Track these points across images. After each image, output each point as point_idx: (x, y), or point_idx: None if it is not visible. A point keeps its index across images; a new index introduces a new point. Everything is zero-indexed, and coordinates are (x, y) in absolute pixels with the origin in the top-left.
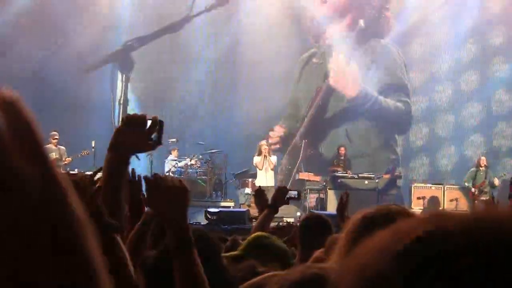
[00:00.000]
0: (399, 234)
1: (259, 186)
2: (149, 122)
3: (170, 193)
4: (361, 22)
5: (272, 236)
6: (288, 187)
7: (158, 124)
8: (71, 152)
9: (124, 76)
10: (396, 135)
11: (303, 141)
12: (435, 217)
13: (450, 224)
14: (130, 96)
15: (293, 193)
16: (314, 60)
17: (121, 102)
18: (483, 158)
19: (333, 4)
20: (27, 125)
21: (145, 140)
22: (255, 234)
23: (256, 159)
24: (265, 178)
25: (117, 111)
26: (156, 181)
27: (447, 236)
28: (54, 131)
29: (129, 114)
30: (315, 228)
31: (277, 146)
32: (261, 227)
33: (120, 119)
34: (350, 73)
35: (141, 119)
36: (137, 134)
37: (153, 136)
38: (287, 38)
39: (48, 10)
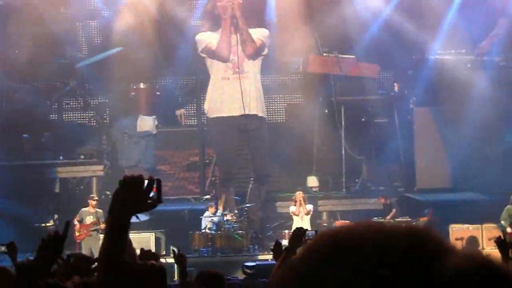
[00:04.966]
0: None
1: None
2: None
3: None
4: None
5: None
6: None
7: (155, 183)
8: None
9: None
10: None
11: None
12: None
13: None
14: None
15: (311, 233)
16: None
17: None
18: None
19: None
20: None
21: (144, 200)
22: None
23: (292, 208)
24: (301, 224)
25: None
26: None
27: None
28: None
29: (125, 176)
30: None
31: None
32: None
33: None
34: None
35: (138, 179)
36: (135, 194)
37: (152, 195)
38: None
39: None
